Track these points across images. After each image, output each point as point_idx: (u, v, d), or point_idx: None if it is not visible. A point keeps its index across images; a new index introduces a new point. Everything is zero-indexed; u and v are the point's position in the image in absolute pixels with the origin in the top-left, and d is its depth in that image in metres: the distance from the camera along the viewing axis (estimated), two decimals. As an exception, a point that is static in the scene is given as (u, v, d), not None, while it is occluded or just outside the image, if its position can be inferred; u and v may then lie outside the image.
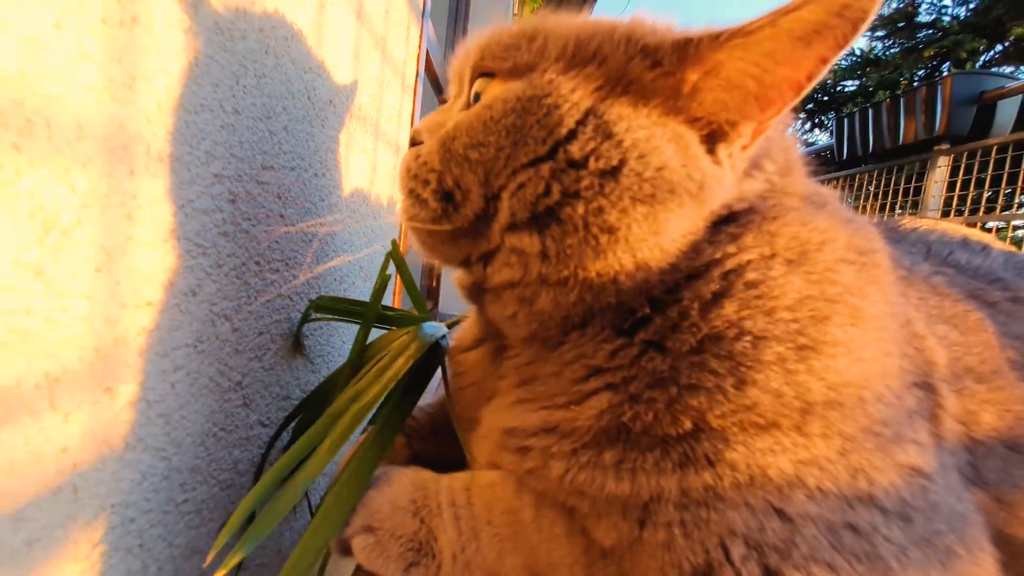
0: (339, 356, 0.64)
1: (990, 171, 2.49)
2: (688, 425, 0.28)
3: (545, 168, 0.30)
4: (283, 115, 0.44)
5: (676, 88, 0.30)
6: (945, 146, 2.81)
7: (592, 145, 0.30)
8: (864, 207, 3.41)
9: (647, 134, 0.29)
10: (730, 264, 0.31)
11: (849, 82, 4.88)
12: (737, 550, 0.25)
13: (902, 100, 3.04)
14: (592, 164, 0.29)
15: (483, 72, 0.35)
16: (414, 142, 0.37)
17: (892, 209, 3.24)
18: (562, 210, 0.30)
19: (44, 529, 0.25)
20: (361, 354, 0.46)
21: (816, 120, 5.07)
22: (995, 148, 2.39)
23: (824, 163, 3.69)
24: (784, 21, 0.26)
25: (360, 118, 0.65)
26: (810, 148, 3.96)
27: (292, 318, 0.50)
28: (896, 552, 0.26)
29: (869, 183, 3.40)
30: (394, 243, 0.51)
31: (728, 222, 0.32)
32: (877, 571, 0.26)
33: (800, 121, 4.96)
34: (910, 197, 3.10)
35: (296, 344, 0.51)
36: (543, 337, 0.35)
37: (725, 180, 0.31)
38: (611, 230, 0.29)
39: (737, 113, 0.30)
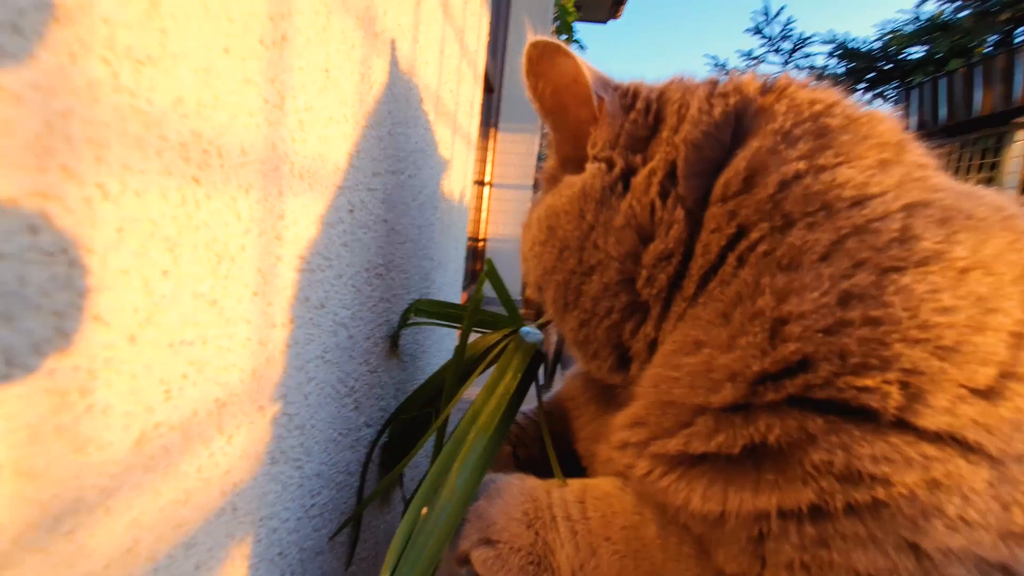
0: (428, 355, 0.64)
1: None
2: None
3: None
4: (387, 120, 0.43)
5: None
6: (1024, 119, 2.59)
7: None
8: (932, 185, 3.18)
9: None
10: None
11: (915, 48, 4.55)
12: None
13: (978, 69, 2.82)
14: None
15: None
16: None
17: (963, 187, 3.01)
18: None
19: (209, 552, 0.26)
20: (461, 357, 0.45)
21: (878, 91, 4.77)
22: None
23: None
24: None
25: (442, 113, 0.64)
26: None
27: (390, 320, 0.51)
28: None
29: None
30: (489, 262, 0.50)
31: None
32: None
33: (860, 92, 4.66)
34: (984, 173, 2.89)
35: (393, 346, 0.52)
36: None
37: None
38: None
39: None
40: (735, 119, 0.34)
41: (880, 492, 0.22)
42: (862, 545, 0.23)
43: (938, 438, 0.23)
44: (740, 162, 0.31)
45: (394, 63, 0.43)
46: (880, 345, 0.23)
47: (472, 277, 3.74)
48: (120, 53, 0.17)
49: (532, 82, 0.38)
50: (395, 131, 0.45)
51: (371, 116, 0.39)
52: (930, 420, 0.23)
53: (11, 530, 0.15)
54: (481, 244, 3.87)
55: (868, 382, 0.23)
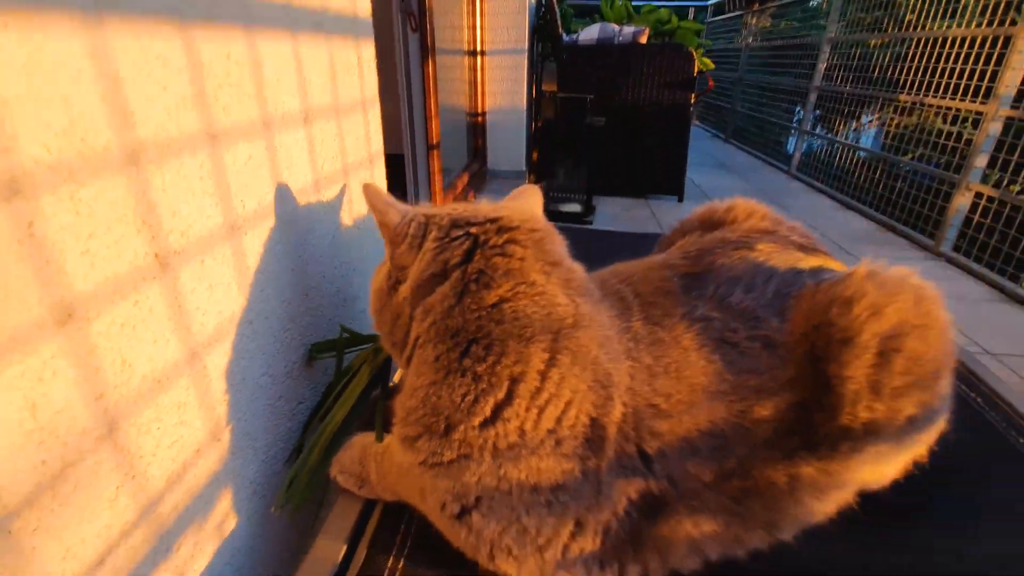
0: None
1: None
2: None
3: None
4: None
5: None
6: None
7: None
8: None
9: None
10: None
11: None
12: (451, 502, 0.57)
13: None
14: None
15: None
16: None
17: None
18: None
19: (207, 489, 0.66)
20: (338, 378, 0.81)
21: None
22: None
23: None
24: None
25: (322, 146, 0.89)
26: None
27: (307, 341, 0.86)
28: (527, 506, 0.55)
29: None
30: (341, 327, 0.83)
31: None
32: (514, 515, 0.55)
33: None
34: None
35: (309, 361, 0.87)
36: None
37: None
38: None
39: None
40: (448, 269, 0.60)
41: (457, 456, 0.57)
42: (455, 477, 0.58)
43: (461, 445, 0.56)
44: (425, 303, 0.60)
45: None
46: (434, 410, 0.57)
47: (475, 153, 3.89)
48: None
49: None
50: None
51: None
52: (458, 436, 0.56)
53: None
54: (480, 119, 3.95)
55: (414, 429, 0.57)
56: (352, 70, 0.96)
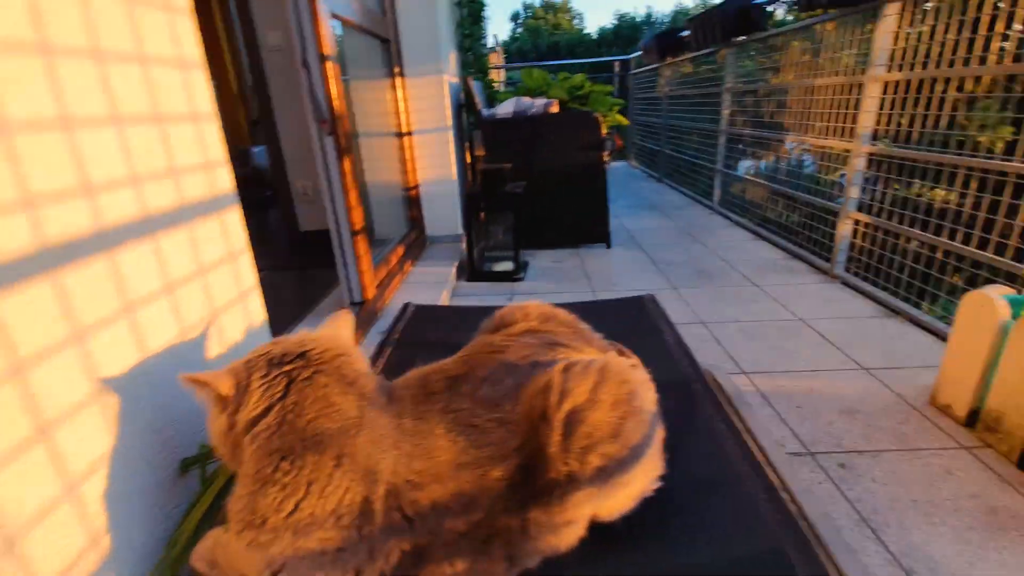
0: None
1: None
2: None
3: None
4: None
5: None
6: None
7: None
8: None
9: None
10: None
11: None
12: (263, 569, 0.84)
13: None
14: None
15: None
16: None
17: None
18: None
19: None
20: (203, 491, 1.09)
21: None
22: None
23: None
24: None
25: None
26: None
27: (180, 454, 1.13)
28: (318, 565, 0.80)
29: None
30: (200, 445, 1.11)
31: None
32: (310, 573, 0.80)
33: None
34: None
35: (183, 473, 1.14)
36: None
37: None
38: None
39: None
40: (271, 405, 0.89)
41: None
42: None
43: (272, 530, 0.84)
44: (253, 431, 0.88)
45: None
46: (253, 511, 0.83)
47: (412, 223, 4.23)
48: None
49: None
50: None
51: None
52: (270, 526, 0.84)
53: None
54: (414, 192, 4.30)
55: (239, 525, 0.85)
56: (216, 238, 1.26)
